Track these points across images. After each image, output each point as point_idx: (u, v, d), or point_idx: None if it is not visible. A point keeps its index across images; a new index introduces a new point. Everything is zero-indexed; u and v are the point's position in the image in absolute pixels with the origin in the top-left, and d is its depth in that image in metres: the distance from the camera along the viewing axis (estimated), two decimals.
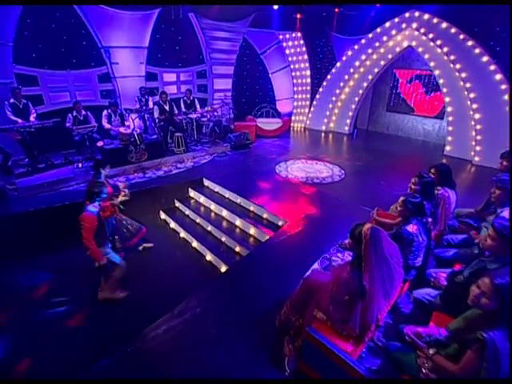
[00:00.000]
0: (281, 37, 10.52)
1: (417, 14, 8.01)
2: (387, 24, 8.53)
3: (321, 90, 10.45)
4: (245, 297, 3.38)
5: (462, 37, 7.42)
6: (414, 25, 8.03)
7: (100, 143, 6.80)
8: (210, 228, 5.22)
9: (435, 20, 7.73)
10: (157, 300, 3.88)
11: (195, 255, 5.01)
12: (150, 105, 8.03)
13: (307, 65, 10.67)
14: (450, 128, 8.08)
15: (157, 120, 7.75)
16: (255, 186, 6.07)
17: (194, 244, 5.14)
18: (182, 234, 5.47)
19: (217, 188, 5.97)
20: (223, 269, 4.47)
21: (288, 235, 4.37)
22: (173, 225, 5.76)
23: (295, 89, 11.16)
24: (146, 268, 4.58)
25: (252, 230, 4.78)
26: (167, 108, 7.71)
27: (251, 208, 5.21)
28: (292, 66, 10.91)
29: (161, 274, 4.50)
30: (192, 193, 6.17)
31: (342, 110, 10.33)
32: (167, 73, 9.38)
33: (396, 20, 8.37)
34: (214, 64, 10.00)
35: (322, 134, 10.37)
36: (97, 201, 3.52)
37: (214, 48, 9.78)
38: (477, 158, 7.52)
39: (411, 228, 2.52)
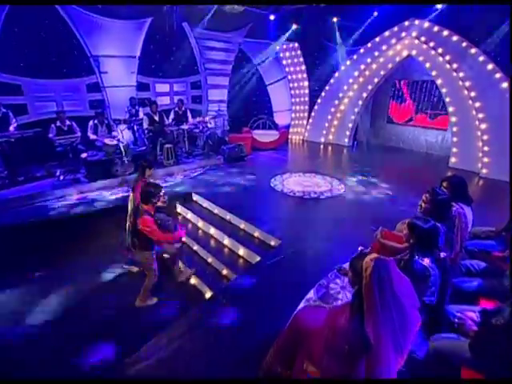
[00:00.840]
0: (278, 47, 10.28)
1: (416, 22, 7.75)
2: (386, 33, 8.28)
3: (319, 101, 10.14)
4: (227, 333, 2.87)
5: (464, 44, 7.12)
6: (414, 33, 7.75)
7: (84, 155, 6.42)
8: (196, 247, 4.73)
9: (436, 28, 7.46)
10: (126, 331, 3.37)
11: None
12: (141, 116, 7.68)
13: (305, 75, 10.40)
14: (455, 139, 7.68)
15: (146, 131, 7.38)
16: (247, 201, 5.61)
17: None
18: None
19: (205, 203, 5.51)
20: (208, 294, 3.96)
21: (281, 257, 3.88)
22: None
23: (293, 100, 10.86)
24: (120, 292, 4.08)
25: (241, 251, 4.29)
26: (157, 118, 7.35)
27: (242, 226, 4.73)
28: (289, 77, 10.64)
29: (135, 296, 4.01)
30: (179, 208, 5.71)
31: (341, 121, 9.98)
32: (160, 83, 9.09)
33: (395, 29, 8.11)
34: (208, 74, 9.73)
35: (321, 147, 9.98)
36: (153, 202, 3.41)
37: (208, 58, 9.54)
38: (484, 171, 7.08)
39: (424, 260, 2.04)
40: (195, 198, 5.86)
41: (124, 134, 7.55)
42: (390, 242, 2.73)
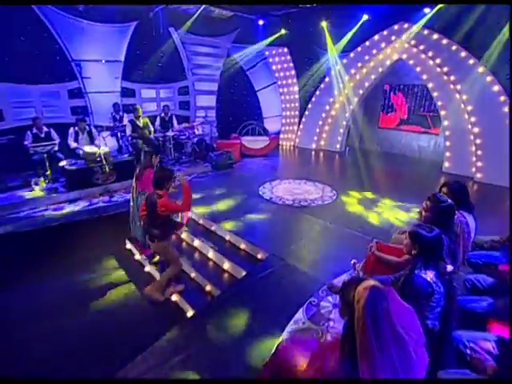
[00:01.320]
0: (267, 53, 10.13)
1: (406, 25, 7.66)
2: (376, 37, 8.17)
3: (310, 106, 9.96)
4: (208, 360, 2.55)
5: (454, 48, 7.02)
6: (404, 37, 7.65)
7: (63, 163, 6.09)
8: None
9: (426, 31, 7.36)
10: (97, 357, 3.02)
11: None
12: (125, 122, 7.37)
13: (295, 81, 10.23)
14: (448, 143, 7.52)
15: (129, 138, 7.06)
16: (233, 210, 5.31)
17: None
18: (147, 267, 4.64)
19: (190, 213, 5.19)
20: (190, 313, 3.63)
21: (268, 271, 3.57)
22: (138, 256, 4.93)
23: (283, 106, 10.66)
24: (93, 306, 3.76)
25: (226, 265, 3.97)
26: (140, 125, 7.05)
27: (227, 237, 4.42)
28: (279, 82, 10.46)
29: (113, 315, 3.68)
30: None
31: (332, 126, 9.79)
32: (146, 89, 8.81)
33: (385, 33, 8.01)
34: (196, 80, 9.50)
35: (313, 153, 9.75)
36: (166, 187, 3.34)
37: (196, 63, 9.32)
38: (479, 175, 6.91)
39: (427, 274, 1.76)
40: None
41: (107, 142, 7.27)
42: (386, 255, 2.46)
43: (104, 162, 6.00)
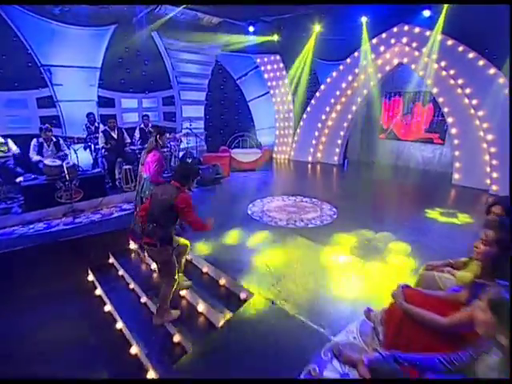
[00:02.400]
0: (258, 60, 9.55)
1: (406, 27, 7.09)
2: (374, 40, 7.59)
3: (304, 116, 9.28)
4: None
5: (461, 49, 6.43)
6: (405, 39, 7.08)
7: (19, 179, 5.27)
8: (144, 299, 3.52)
9: (428, 33, 6.78)
10: None
11: (117, 343, 3.27)
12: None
13: (288, 89, 9.58)
14: (457, 153, 6.82)
15: (102, 150, 6.28)
16: (215, 234, 4.46)
17: (119, 325, 3.41)
18: (108, 306, 3.75)
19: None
20: (150, 374, 2.74)
21: (253, 318, 2.71)
22: (99, 291, 4.05)
23: (277, 116, 9.99)
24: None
25: (201, 306, 3.10)
26: (115, 136, 6.28)
27: (204, 269, 3.56)
28: (272, 92, 9.83)
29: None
30: (132, 244, 4.53)
31: (329, 137, 9.09)
32: (127, 98, 8.11)
33: (383, 35, 7.43)
34: (182, 89, 8.84)
35: (309, 166, 8.99)
36: (188, 185, 2.95)
37: (182, 71, 8.68)
38: (494, 187, 6.17)
39: None
40: None
41: (81, 155, 6.51)
42: (420, 309, 1.63)
43: (68, 177, 5.17)
